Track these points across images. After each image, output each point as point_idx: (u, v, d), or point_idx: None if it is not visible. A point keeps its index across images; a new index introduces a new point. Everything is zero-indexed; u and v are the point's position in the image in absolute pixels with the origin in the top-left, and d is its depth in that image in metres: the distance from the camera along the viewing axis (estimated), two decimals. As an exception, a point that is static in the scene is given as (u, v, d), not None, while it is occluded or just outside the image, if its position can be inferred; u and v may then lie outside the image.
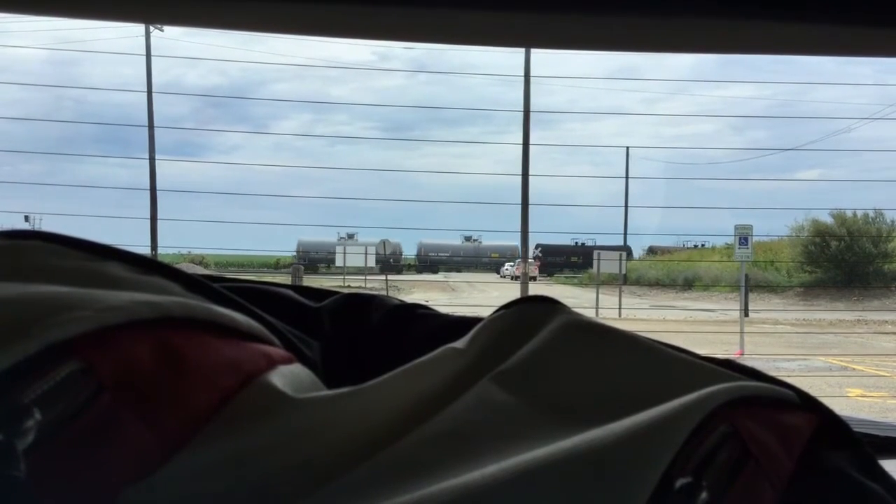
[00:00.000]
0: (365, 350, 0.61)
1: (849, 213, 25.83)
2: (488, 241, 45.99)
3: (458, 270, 43.65)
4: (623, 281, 21.32)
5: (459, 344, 0.49)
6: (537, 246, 39.96)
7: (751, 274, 20.14)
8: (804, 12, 0.71)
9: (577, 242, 39.60)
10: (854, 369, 10.64)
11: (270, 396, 0.41)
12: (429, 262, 46.06)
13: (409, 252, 46.57)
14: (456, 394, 0.45)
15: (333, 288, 0.73)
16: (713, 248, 31.88)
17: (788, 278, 25.75)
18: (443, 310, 0.67)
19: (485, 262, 45.49)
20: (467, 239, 48.17)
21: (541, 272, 37.71)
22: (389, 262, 44.41)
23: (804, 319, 18.35)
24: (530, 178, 16.34)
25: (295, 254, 40.24)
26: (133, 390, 0.37)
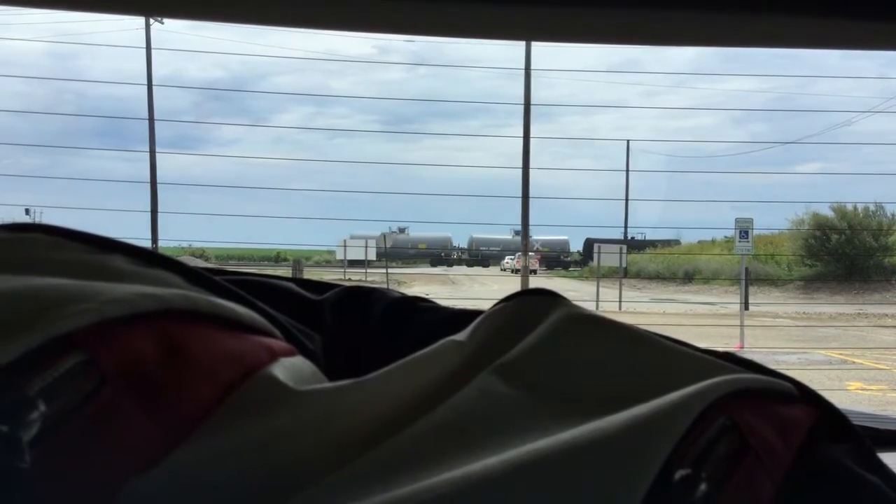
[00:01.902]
0: (366, 343, 0.61)
1: (849, 207, 25.83)
2: (538, 235, 46.20)
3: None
4: (623, 274, 21.33)
5: (460, 336, 0.49)
6: (587, 240, 39.70)
7: (751, 267, 20.15)
8: (805, 5, 0.71)
9: (630, 237, 39.36)
10: (854, 363, 10.65)
11: (272, 389, 0.42)
12: (480, 256, 46.19)
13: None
14: (456, 386, 0.45)
15: (335, 281, 0.73)
16: (713, 242, 31.83)
17: (789, 272, 25.73)
18: (443, 303, 0.68)
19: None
20: (517, 233, 48.31)
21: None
22: (441, 256, 44.98)
23: (804, 313, 18.36)
24: (531, 171, 16.34)
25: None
26: (136, 382, 0.37)
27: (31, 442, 0.33)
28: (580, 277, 32.74)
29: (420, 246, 46.75)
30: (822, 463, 0.44)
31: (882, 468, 0.45)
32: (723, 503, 0.37)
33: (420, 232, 46.98)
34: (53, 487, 0.34)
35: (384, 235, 30.63)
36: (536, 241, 45.59)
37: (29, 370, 0.34)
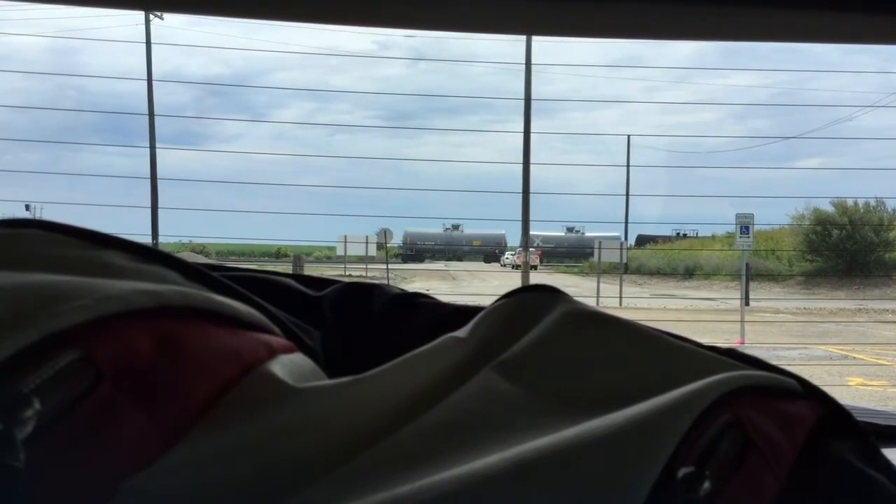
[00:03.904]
0: (366, 339, 0.61)
1: (850, 202, 25.89)
2: (591, 231, 46.60)
3: (561, 261, 44.67)
4: (624, 270, 21.34)
5: (461, 333, 0.49)
6: (638, 236, 39.67)
7: (752, 263, 20.17)
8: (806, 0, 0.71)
9: (677, 233, 39.36)
10: (854, 358, 10.65)
11: (271, 386, 0.41)
12: (533, 253, 46.85)
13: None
14: (457, 383, 0.44)
15: (334, 277, 0.73)
16: (714, 237, 31.86)
17: (789, 267, 25.77)
18: (443, 299, 0.67)
19: (587, 252, 45.91)
20: (570, 230, 48.82)
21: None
22: (495, 253, 46.03)
23: (805, 308, 18.37)
24: (531, 166, 16.33)
25: (401, 244, 40.71)
26: (132, 380, 0.37)
27: (26, 440, 0.33)
28: (581, 273, 32.75)
29: (474, 243, 47.75)
30: (827, 460, 0.44)
31: (886, 464, 0.45)
32: (727, 501, 0.37)
33: (474, 229, 49.07)
34: (49, 487, 0.34)
35: (384, 231, 30.68)
36: (591, 237, 46.10)
37: (24, 367, 0.34)
